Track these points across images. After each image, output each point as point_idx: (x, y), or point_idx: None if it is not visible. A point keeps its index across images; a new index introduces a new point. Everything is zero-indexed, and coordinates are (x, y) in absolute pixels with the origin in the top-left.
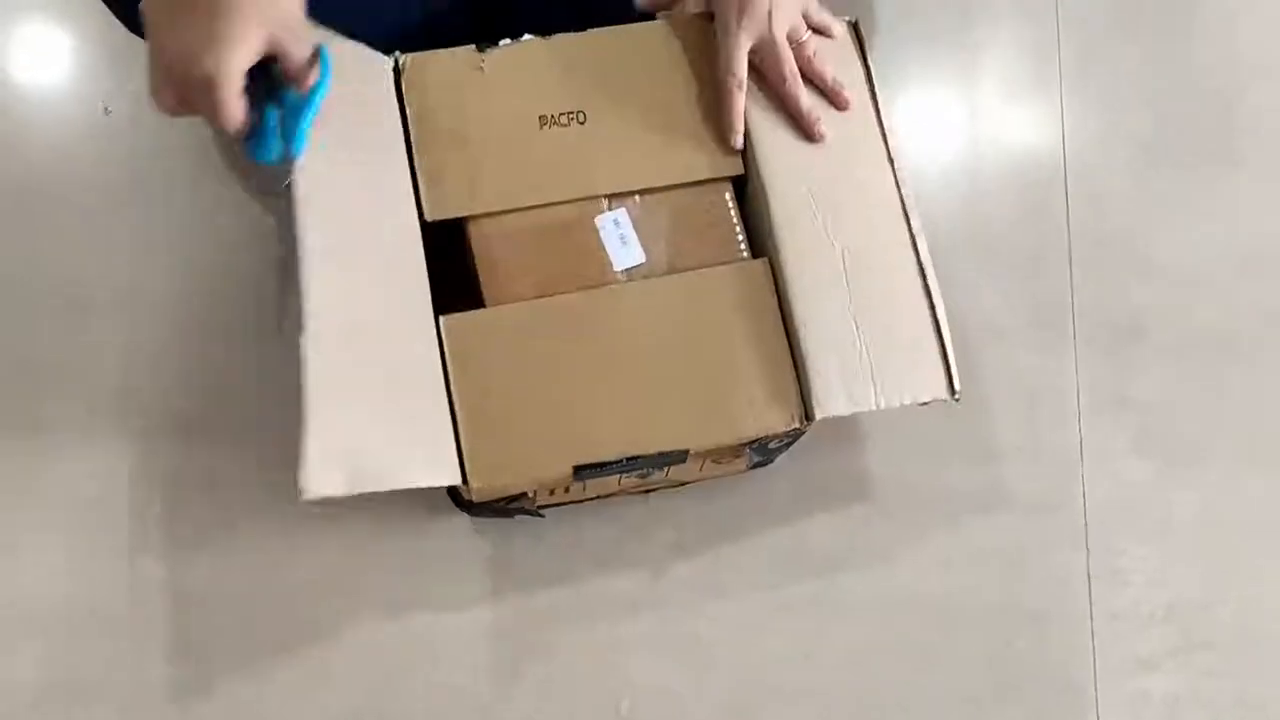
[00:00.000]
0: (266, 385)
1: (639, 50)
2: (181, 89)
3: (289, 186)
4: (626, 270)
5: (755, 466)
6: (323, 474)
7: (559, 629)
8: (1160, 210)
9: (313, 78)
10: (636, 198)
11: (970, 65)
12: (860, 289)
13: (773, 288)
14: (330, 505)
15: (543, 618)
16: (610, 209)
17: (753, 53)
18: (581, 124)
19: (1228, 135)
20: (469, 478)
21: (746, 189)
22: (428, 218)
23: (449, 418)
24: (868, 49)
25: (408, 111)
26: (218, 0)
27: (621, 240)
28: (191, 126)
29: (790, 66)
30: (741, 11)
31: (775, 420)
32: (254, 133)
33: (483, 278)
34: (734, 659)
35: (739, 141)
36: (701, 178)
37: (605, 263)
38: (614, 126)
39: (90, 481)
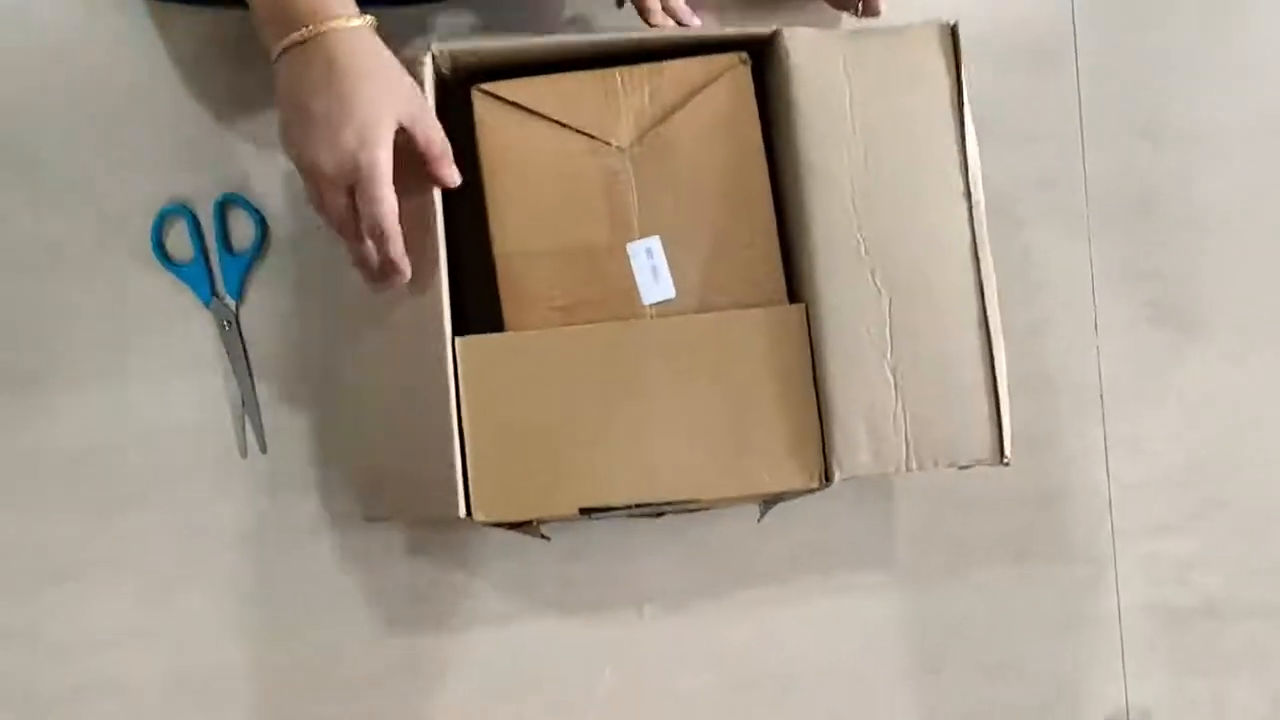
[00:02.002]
0: None
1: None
2: (342, 194)
3: (227, 326)
4: (655, 304)
5: (765, 510)
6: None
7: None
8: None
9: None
10: (674, 227)
11: None
12: (907, 343)
13: (806, 337)
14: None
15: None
16: (643, 237)
17: None
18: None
19: None
20: (474, 511)
21: (788, 226)
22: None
23: (457, 446)
24: (963, 61)
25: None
26: (350, 106)
27: (653, 272)
28: None
29: None
30: None
31: (793, 478)
32: (194, 272)
33: (504, 298)
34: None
35: None
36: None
37: (634, 294)
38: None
39: None
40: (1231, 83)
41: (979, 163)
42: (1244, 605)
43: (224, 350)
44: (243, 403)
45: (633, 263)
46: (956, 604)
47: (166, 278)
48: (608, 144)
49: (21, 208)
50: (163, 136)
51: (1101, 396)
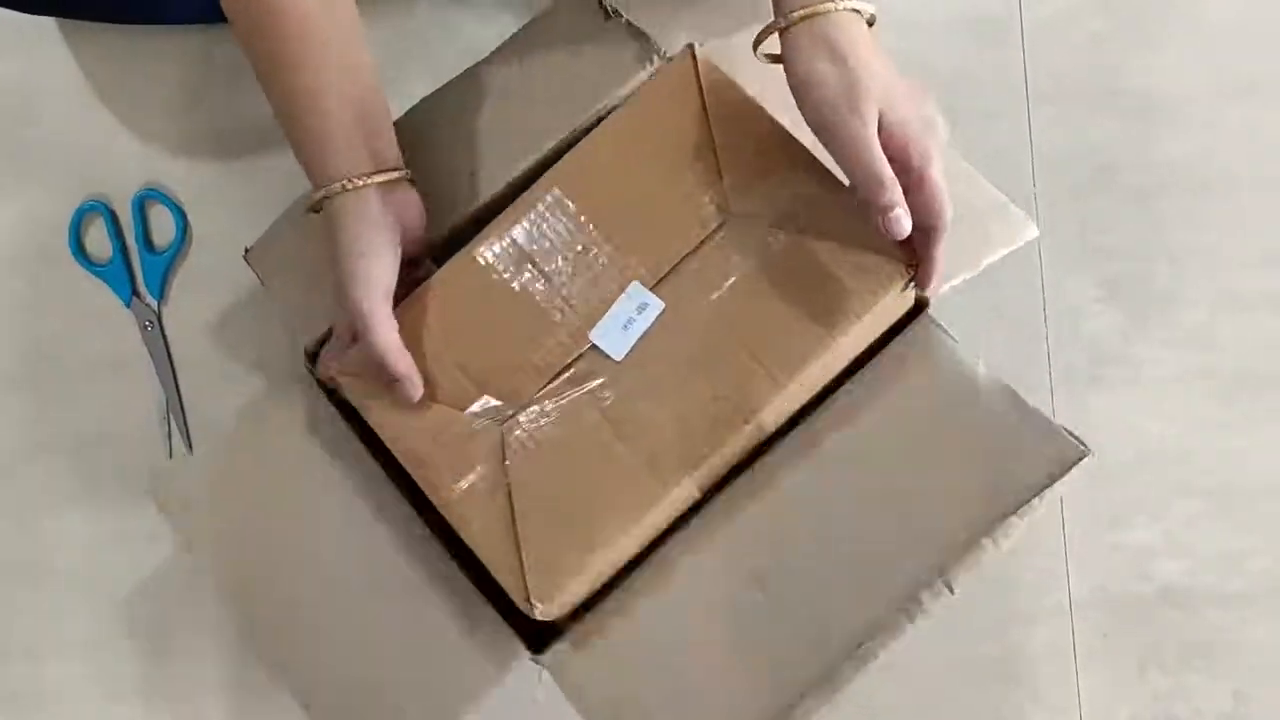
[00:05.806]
0: None
1: None
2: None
3: (149, 326)
4: (597, 348)
5: None
6: None
7: None
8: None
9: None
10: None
11: None
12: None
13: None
14: None
15: None
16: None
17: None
18: None
19: None
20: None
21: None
22: None
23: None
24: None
25: None
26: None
27: (626, 324)
28: None
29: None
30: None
31: None
32: (114, 272)
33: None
34: None
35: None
36: None
37: (592, 319)
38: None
39: None
40: (1187, 45)
41: None
42: (1204, 595)
43: (147, 351)
44: (167, 404)
45: (621, 298)
46: None
47: (85, 277)
48: None
49: None
50: (77, 133)
51: (1051, 385)
